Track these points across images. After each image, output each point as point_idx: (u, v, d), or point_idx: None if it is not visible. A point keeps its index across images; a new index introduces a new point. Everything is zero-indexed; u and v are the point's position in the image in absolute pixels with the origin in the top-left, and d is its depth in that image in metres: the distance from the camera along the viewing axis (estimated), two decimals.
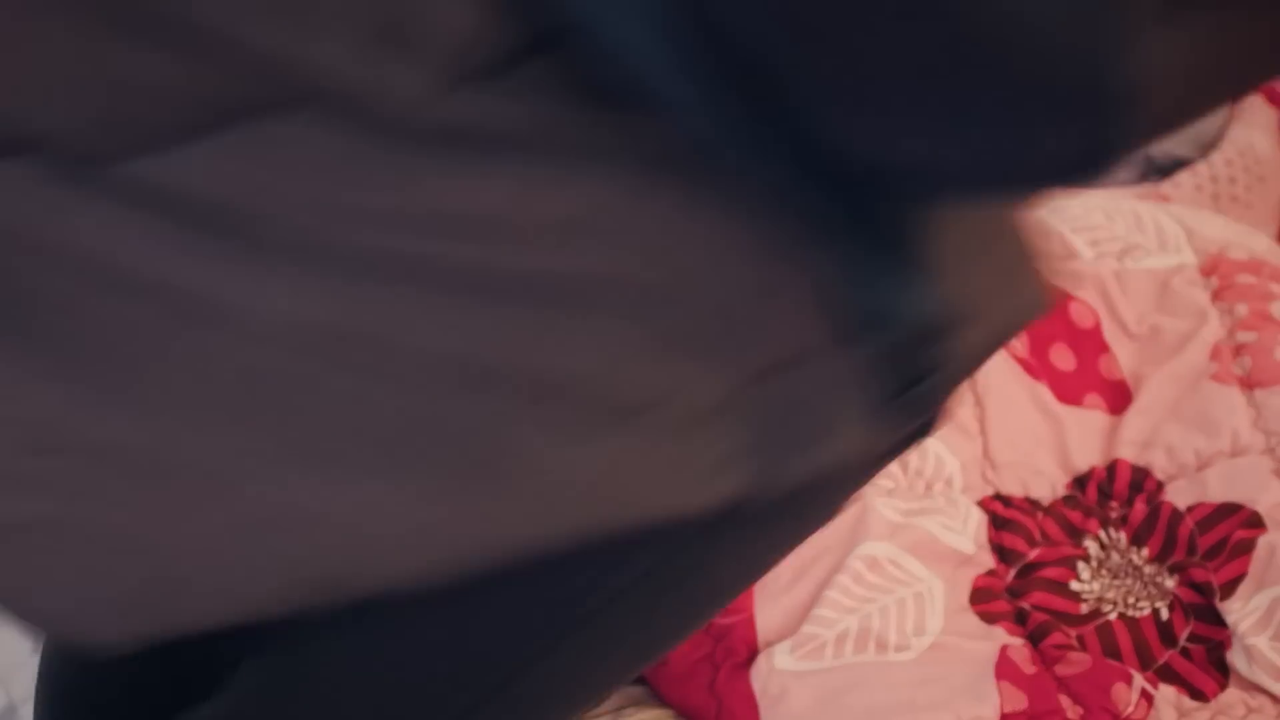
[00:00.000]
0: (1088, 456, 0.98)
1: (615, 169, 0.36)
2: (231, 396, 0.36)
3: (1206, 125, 1.36)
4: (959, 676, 0.87)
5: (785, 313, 0.39)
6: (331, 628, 0.46)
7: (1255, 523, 0.91)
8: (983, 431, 0.96)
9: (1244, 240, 1.08)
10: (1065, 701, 0.86)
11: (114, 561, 0.38)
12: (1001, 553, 0.93)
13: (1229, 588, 0.90)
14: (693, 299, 0.38)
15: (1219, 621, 0.90)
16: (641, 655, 0.54)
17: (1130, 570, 0.93)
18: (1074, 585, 0.92)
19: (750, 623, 0.88)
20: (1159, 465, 0.97)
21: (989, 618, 0.90)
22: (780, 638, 0.88)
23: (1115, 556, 0.94)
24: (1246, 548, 0.90)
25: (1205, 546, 0.91)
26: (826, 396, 0.41)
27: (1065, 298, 1.02)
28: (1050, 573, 0.92)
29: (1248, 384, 0.99)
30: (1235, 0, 0.34)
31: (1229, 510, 0.92)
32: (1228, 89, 0.41)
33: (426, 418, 0.37)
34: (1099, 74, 0.31)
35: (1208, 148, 1.35)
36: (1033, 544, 0.93)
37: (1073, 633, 0.90)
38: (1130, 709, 0.86)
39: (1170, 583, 0.92)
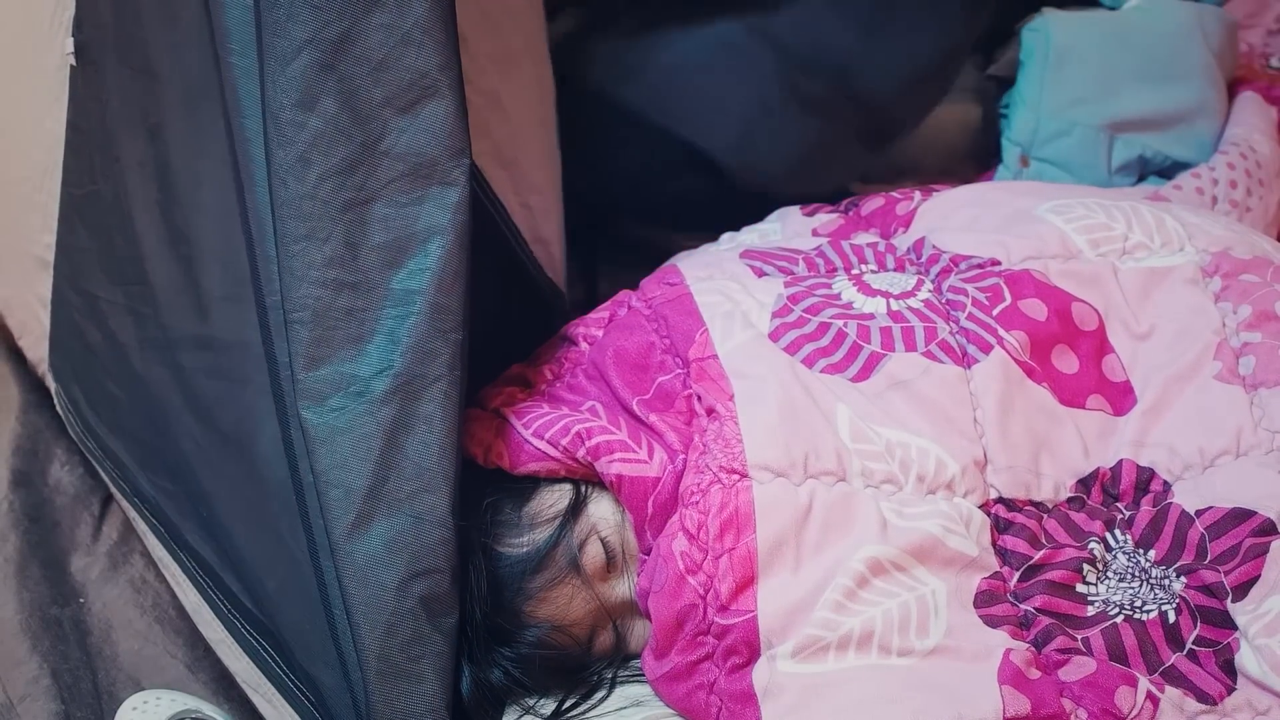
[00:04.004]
0: (1092, 458, 0.97)
1: None
2: None
3: (1206, 128, 1.36)
4: (961, 681, 0.86)
5: None
6: None
7: (1268, 530, 0.90)
8: (983, 435, 0.95)
9: (1247, 239, 1.08)
10: (1068, 706, 0.85)
11: None
12: (1005, 555, 0.92)
13: (1241, 590, 0.89)
14: None
15: (1226, 624, 0.89)
16: None
17: (1137, 573, 0.92)
18: (1079, 588, 0.92)
19: (752, 624, 0.88)
20: (1164, 466, 0.96)
21: (993, 621, 0.90)
22: (782, 640, 0.88)
23: (1122, 559, 0.93)
24: (1260, 551, 0.89)
25: (1217, 552, 0.90)
26: None
27: (1067, 299, 1.01)
28: (1055, 575, 0.91)
29: (1252, 384, 0.98)
30: None
31: (1241, 516, 0.91)
32: None
33: None
34: None
35: (1207, 151, 1.35)
36: (1037, 546, 0.93)
37: (1079, 636, 0.90)
38: (1135, 713, 0.85)
39: (1178, 585, 0.91)
